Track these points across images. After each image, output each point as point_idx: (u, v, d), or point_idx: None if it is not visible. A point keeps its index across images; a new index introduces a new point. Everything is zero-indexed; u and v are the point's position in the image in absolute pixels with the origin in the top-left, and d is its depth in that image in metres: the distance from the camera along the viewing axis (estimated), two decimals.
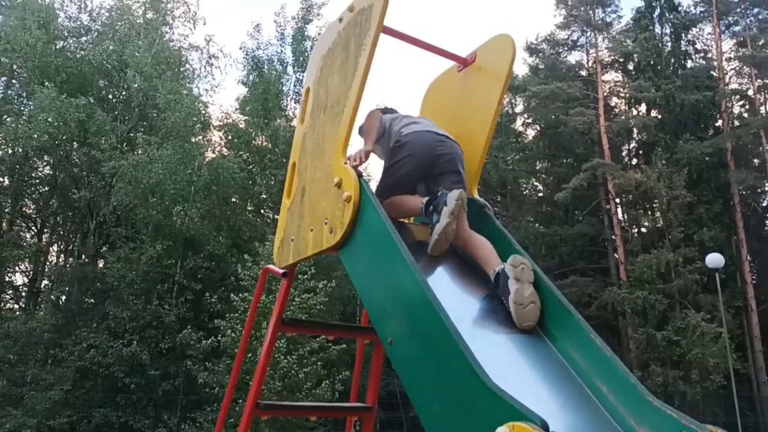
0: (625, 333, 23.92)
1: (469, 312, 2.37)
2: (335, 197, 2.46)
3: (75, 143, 19.27)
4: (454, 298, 2.47)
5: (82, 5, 23.19)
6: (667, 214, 24.29)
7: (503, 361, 2.09)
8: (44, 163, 21.38)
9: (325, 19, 24.57)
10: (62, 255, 22.97)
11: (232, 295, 13.97)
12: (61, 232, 23.01)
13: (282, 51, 25.53)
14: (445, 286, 2.55)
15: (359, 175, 2.42)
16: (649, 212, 28.89)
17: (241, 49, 25.21)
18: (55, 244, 23.51)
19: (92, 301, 19.28)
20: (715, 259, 16.07)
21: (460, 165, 2.88)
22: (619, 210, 28.12)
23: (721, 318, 17.68)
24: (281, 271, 2.97)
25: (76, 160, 19.97)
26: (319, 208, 2.60)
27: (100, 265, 19.98)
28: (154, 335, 16.47)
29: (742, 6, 28.84)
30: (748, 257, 26.21)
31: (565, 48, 30.67)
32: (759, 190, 28.70)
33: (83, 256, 19.75)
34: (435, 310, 1.83)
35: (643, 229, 29.32)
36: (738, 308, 24.71)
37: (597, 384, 1.97)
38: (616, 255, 25.93)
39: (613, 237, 26.51)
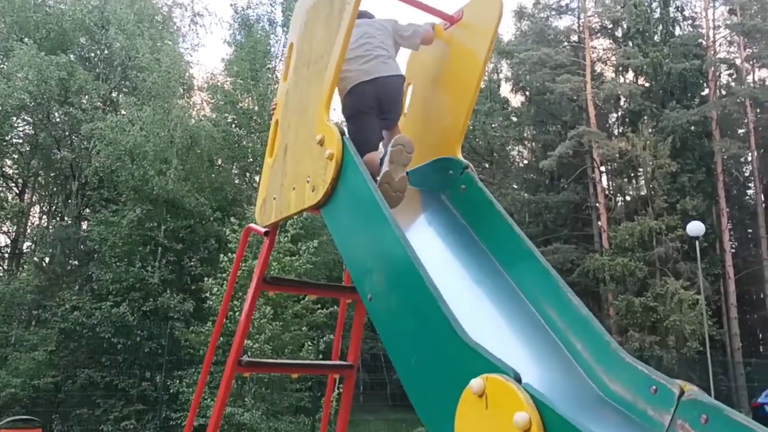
0: (605, 299, 24.36)
1: (449, 267, 2.39)
2: (318, 155, 2.44)
3: (56, 102, 18.83)
4: (435, 254, 2.48)
5: None
6: (651, 182, 24.50)
7: (480, 314, 2.12)
8: (24, 123, 20.94)
9: None
10: (44, 216, 22.71)
11: (221, 255, 13.94)
12: (43, 193, 22.70)
13: (272, 11, 25.00)
14: (428, 243, 2.56)
15: (342, 132, 2.40)
16: (634, 181, 29.13)
17: (231, 6, 24.59)
18: (37, 205, 23.22)
19: (75, 263, 19.15)
20: (696, 228, 16.31)
21: (392, 102, 2.92)
22: (604, 178, 28.32)
23: (699, 285, 18.05)
24: (263, 230, 2.97)
25: (58, 119, 19.57)
26: (301, 165, 2.58)
27: (83, 227, 19.79)
28: (137, 297, 16.46)
29: None
30: (729, 226, 26.65)
31: (555, 12, 30.35)
32: (742, 160, 28.99)
33: (66, 218, 19.55)
34: (414, 266, 1.84)
35: (627, 198, 29.62)
36: (716, 276, 25.23)
37: (571, 340, 2.01)
38: (599, 222, 26.21)
39: (597, 205, 26.75)
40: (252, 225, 3.12)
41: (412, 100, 3.32)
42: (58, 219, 20.33)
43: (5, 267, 21.16)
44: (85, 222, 19.96)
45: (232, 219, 14.60)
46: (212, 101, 23.33)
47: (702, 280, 18.12)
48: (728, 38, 29.36)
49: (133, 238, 17.22)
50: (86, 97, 18.48)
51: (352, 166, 2.30)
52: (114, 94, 20.61)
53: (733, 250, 27.33)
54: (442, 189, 2.88)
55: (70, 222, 19.22)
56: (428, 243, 2.56)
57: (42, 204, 23.14)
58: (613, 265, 22.52)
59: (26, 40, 18.01)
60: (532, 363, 1.96)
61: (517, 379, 1.42)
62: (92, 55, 21.85)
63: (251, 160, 22.19)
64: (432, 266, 1.89)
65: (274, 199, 2.80)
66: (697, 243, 16.87)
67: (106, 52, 21.14)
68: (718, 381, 19.17)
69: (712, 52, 27.94)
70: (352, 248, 2.31)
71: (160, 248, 17.24)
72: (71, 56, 19.09)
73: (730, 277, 25.07)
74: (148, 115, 17.40)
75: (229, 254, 13.80)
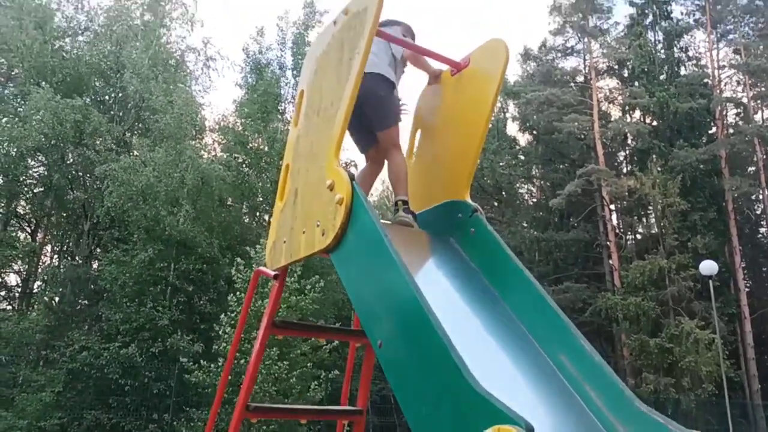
0: (618, 339, 23.96)
1: (459, 313, 2.38)
2: (327, 199, 2.46)
3: (70, 144, 19.19)
4: (445, 300, 2.47)
5: (80, 5, 23.17)
6: (662, 221, 24.38)
7: (492, 362, 2.09)
8: (39, 164, 21.30)
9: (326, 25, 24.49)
10: (56, 256, 22.87)
11: (230, 296, 13.93)
12: (55, 233, 22.91)
13: (282, 55, 25.58)
14: (437, 288, 2.55)
15: (351, 177, 2.42)
16: (644, 219, 28.99)
17: (243, 50, 25.16)
18: (49, 245, 23.42)
19: (85, 302, 19.19)
20: (708, 266, 16.13)
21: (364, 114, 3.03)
22: (614, 216, 28.21)
23: (715, 325, 17.74)
24: (273, 273, 2.97)
25: (72, 160, 19.90)
26: (311, 210, 2.60)
27: (94, 266, 19.90)
28: (146, 338, 16.42)
29: (736, 14, 29.01)
30: (742, 264, 26.34)
31: (561, 54, 30.80)
32: (753, 198, 28.83)
33: (77, 257, 19.67)
34: (424, 312, 1.83)
35: (638, 236, 29.43)
36: (731, 315, 24.80)
37: (585, 388, 1.97)
38: (610, 261, 26.00)
39: (607, 243, 26.58)
40: (261, 268, 3.12)
41: (420, 143, 3.36)
42: (69, 258, 20.46)
43: (15, 307, 21.21)
44: (96, 262, 20.07)
45: (238, 260, 14.64)
46: (223, 142, 23.69)
47: (717, 320, 17.82)
48: (734, 77, 29.61)
49: (143, 278, 17.29)
50: (100, 138, 18.82)
51: (361, 211, 2.31)
52: (127, 135, 20.96)
53: (748, 289, 26.91)
54: (451, 232, 2.88)
55: (81, 261, 19.34)
56: (438, 288, 2.55)
57: (54, 243, 23.35)
58: (625, 304, 22.23)
59: (43, 84, 18.47)
60: (544, 412, 1.92)
61: (529, 429, 1.39)
62: (107, 97, 22.36)
63: (261, 199, 22.37)
64: (442, 311, 1.88)
65: (284, 242, 2.81)
66: (710, 282, 16.66)
67: (120, 94, 21.63)
68: (737, 424, 18.63)
69: (718, 91, 28.12)
70: (361, 293, 2.30)
71: (169, 288, 17.27)
72: (86, 99, 19.53)
73: (745, 316, 24.63)
74: (161, 156, 17.66)
75: (237, 293, 13.80)
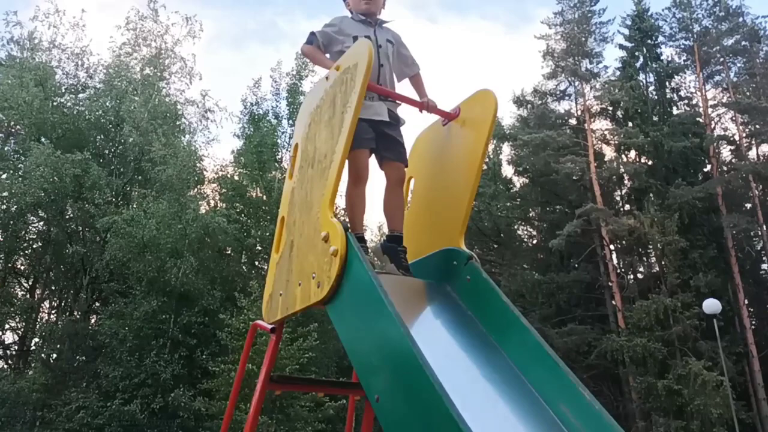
0: (626, 382, 23.53)
1: (457, 363, 2.35)
2: (322, 251, 2.46)
3: (70, 198, 19.30)
4: (442, 350, 2.45)
5: (80, 63, 23.69)
6: (662, 259, 24.30)
7: (491, 413, 2.05)
8: (38, 219, 21.37)
9: (319, 75, 25.13)
10: (54, 312, 22.66)
11: (229, 343, 13.76)
12: (54, 288, 22.78)
13: (277, 105, 26.08)
14: (434, 338, 2.53)
15: (346, 228, 2.43)
16: (644, 258, 28.91)
17: (242, 101, 25.65)
18: (47, 301, 23.25)
19: (83, 359, 18.93)
20: (712, 305, 16.01)
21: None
22: (614, 256, 28.14)
23: (722, 366, 17.46)
24: (269, 326, 2.95)
25: (71, 215, 19.98)
26: (306, 262, 2.60)
27: (92, 321, 19.71)
28: (148, 393, 16.11)
29: (723, 55, 29.67)
30: (746, 302, 26.09)
31: (554, 97, 31.32)
32: (752, 234, 28.81)
33: (75, 313, 19.51)
34: (421, 366, 1.80)
35: (639, 275, 29.29)
36: (739, 355, 24.43)
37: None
38: (613, 302, 25.79)
39: (609, 283, 26.42)
40: (258, 321, 3.10)
41: (414, 192, 3.38)
42: (67, 314, 20.29)
43: (11, 365, 20.89)
44: (95, 316, 19.91)
45: (220, 316, 14.55)
46: (222, 192, 23.85)
47: (724, 360, 17.55)
48: (725, 116, 30.05)
49: (144, 331, 17.12)
50: (99, 192, 18.94)
51: (356, 262, 2.31)
52: (127, 188, 21.11)
53: (753, 327, 26.60)
54: (447, 280, 2.87)
55: (79, 316, 19.18)
56: (435, 337, 2.53)
57: (52, 299, 23.17)
58: (631, 345, 21.94)
59: (43, 140, 18.72)
60: None
61: None
62: (106, 151, 22.63)
63: (259, 248, 22.36)
64: (439, 363, 1.86)
65: (281, 295, 2.80)
66: (714, 321, 16.48)
67: (120, 148, 21.89)
68: None
69: (710, 130, 28.50)
70: (357, 345, 2.28)
71: (169, 342, 17.07)
72: (86, 153, 19.76)
73: (753, 355, 24.26)
74: (164, 208, 17.75)
75: (231, 340, 13.61)
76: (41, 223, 21.33)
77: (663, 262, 24.31)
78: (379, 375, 2.03)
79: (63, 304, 21.92)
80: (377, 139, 3.02)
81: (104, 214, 18.21)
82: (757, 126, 28.28)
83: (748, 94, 28.25)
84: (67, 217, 20.05)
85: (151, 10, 24.88)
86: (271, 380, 2.90)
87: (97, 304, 20.12)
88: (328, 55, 3.17)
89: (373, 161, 3.12)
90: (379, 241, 3.68)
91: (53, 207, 19.42)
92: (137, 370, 16.26)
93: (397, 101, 3.12)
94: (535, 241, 33.24)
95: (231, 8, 54.06)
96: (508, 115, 32.72)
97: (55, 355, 18.95)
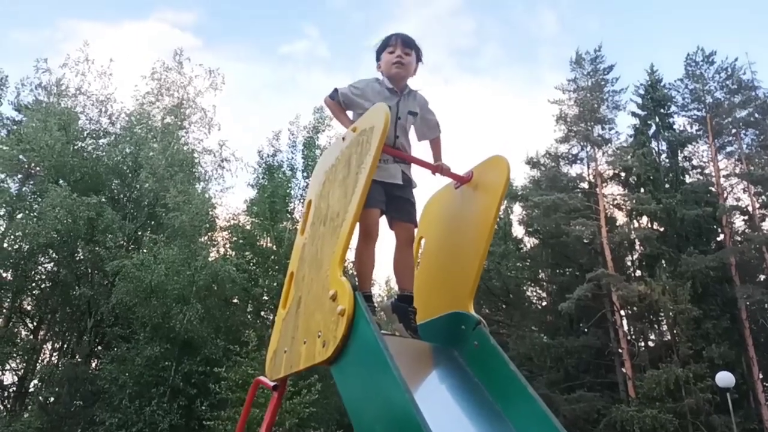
0: None
1: (461, 430, 2.29)
2: (330, 310, 2.45)
3: (81, 240, 19.46)
4: (447, 416, 2.39)
5: (103, 109, 24.35)
6: (674, 328, 23.86)
7: None
8: (49, 259, 21.50)
9: (335, 130, 25.61)
10: (56, 354, 22.47)
11: (228, 395, 13.52)
12: (57, 330, 22.67)
13: (293, 157, 26.44)
14: (439, 404, 2.48)
15: (354, 288, 2.43)
16: (656, 326, 28.40)
17: (258, 152, 26.07)
18: (50, 342, 23.09)
19: (81, 403, 18.63)
20: (725, 378, 15.59)
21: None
22: (625, 322, 27.67)
23: None
24: (272, 383, 2.90)
25: (81, 257, 20.09)
26: (313, 320, 2.59)
27: (93, 365, 19.50)
28: None
29: (736, 126, 29.96)
30: (761, 376, 25.38)
31: (566, 161, 31.56)
32: (766, 306, 28.30)
33: (77, 356, 19.34)
34: None
35: (650, 343, 28.70)
36: (753, 431, 23.58)
37: None
38: (623, 369, 25.20)
39: (619, 350, 25.88)
40: (261, 378, 3.06)
41: (424, 253, 3.38)
42: (69, 356, 20.10)
43: (8, 407, 20.58)
44: (96, 360, 19.70)
45: (215, 369, 14.32)
46: (233, 240, 23.94)
47: None
48: (738, 185, 30.06)
49: (145, 378, 16.88)
50: (111, 236, 19.10)
51: (363, 323, 2.30)
52: (139, 233, 21.26)
53: None
54: (454, 344, 2.84)
55: (80, 360, 18.99)
56: (440, 403, 2.48)
57: (55, 341, 23.02)
58: (641, 417, 21.28)
59: (61, 182, 19.03)
60: None
61: None
62: (122, 196, 22.93)
63: (266, 298, 22.25)
64: (443, 430, 1.81)
65: (285, 351, 2.78)
66: (728, 395, 16.01)
67: (135, 193, 22.19)
68: None
69: (723, 199, 28.48)
70: (359, 408, 2.24)
71: (169, 390, 16.80)
72: (102, 197, 20.02)
73: None
74: (174, 254, 17.81)
75: (227, 392, 13.35)
76: (51, 263, 21.45)
77: (675, 331, 23.86)
78: None
79: (66, 346, 21.76)
80: (389, 200, 3.05)
81: (114, 258, 18.30)
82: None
83: (761, 165, 28.34)
84: (78, 258, 20.16)
85: (176, 62, 25.74)
86: None
87: (100, 348, 19.96)
88: (350, 112, 3.23)
89: (384, 221, 3.14)
90: (389, 298, 3.65)
91: (64, 248, 19.57)
92: (136, 418, 15.95)
93: (410, 166, 3.16)
94: (544, 303, 32.83)
95: (254, 62, 55.80)
96: (521, 176, 32.95)
97: (52, 399, 18.68)
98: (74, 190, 19.03)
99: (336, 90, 3.22)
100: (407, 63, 3.15)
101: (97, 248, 18.93)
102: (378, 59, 3.24)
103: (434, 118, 3.32)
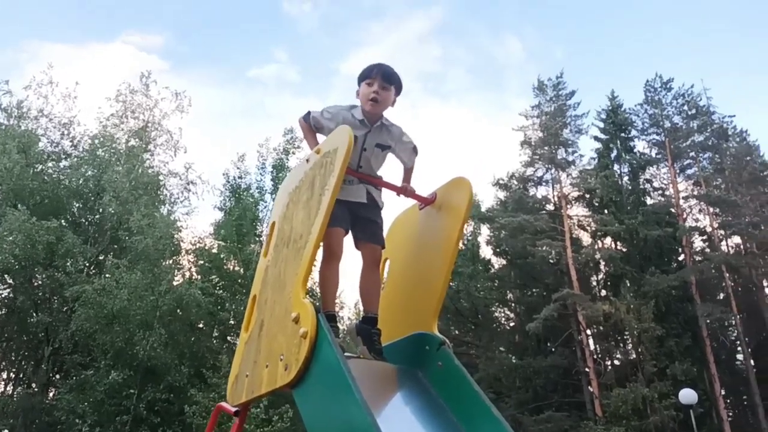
0: None
1: None
2: (292, 333, 2.42)
3: (40, 266, 18.87)
4: None
5: (65, 132, 23.85)
6: (639, 346, 24.24)
7: None
8: (5, 285, 20.77)
9: (305, 152, 25.45)
10: (11, 383, 21.59)
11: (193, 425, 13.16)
12: (13, 358, 21.81)
13: (261, 179, 26.20)
14: (403, 426, 2.46)
15: (317, 310, 2.41)
16: (621, 344, 28.81)
17: (224, 175, 25.74)
18: (5, 372, 22.18)
19: None
20: (688, 395, 15.86)
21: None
22: (591, 341, 28.00)
23: None
24: (233, 409, 2.84)
25: (39, 282, 19.47)
26: (276, 343, 2.55)
27: (51, 395, 18.80)
28: None
29: (694, 150, 30.97)
30: (722, 392, 25.91)
31: (532, 183, 32.10)
32: (726, 324, 29.01)
33: (33, 385, 18.62)
34: None
35: (616, 362, 29.07)
36: None
37: None
38: (590, 388, 25.43)
39: (586, 369, 26.14)
40: (223, 404, 2.99)
41: (389, 275, 3.38)
42: (24, 386, 19.34)
43: None
44: (53, 390, 19.00)
45: (191, 392, 14.01)
46: (199, 264, 23.54)
47: None
48: (697, 207, 30.96)
49: (105, 407, 16.31)
50: (71, 260, 18.57)
51: (325, 345, 2.28)
52: (101, 257, 20.75)
53: (731, 419, 26.29)
54: (418, 366, 2.83)
55: (36, 390, 18.30)
56: (404, 426, 2.46)
57: (10, 370, 22.14)
58: None
59: (20, 206, 18.49)
60: None
61: None
62: (83, 219, 22.38)
63: (232, 322, 21.88)
64: None
65: (247, 376, 2.73)
66: (691, 411, 16.28)
67: (97, 216, 21.69)
68: None
69: (683, 220, 29.28)
70: None
71: (131, 420, 16.27)
72: (62, 221, 19.50)
73: None
74: (139, 279, 17.41)
75: (197, 417, 13.05)
76: (8, 289, 20.72)
77: (639, 349, 24.23)
78: None
79: (21, 375, 20.95)
80: (354, 220, 3.05)
81: (75, 283, 17.78)
82: (728, 218, 29.14)
83: (719, 187, 29.29)
84: (36, 284, 19.54)
85: (143, 85, 25.45)
86: None
87: (57, 377, 19.26)
88: (320, 136, 3.24)
89: (351, 242, 3.13)
90: (355, 320, 3.62)
91: (22, 274, 18.95)
92: None
93: (378, 188, 3.16)
94: (512, 324, 33.05)
95: (221, 87, 55.62)
96: (489, 198, 33.41)
97: (7, 431, 17.91)
98: (33, 213, 18.51)
99: (309, 112, 3.26)
100: (382, 100, 3.09)
101: (57, 273, 18.38)
102: (359, 85, 3.20)
103: (411, 144, 3.30)
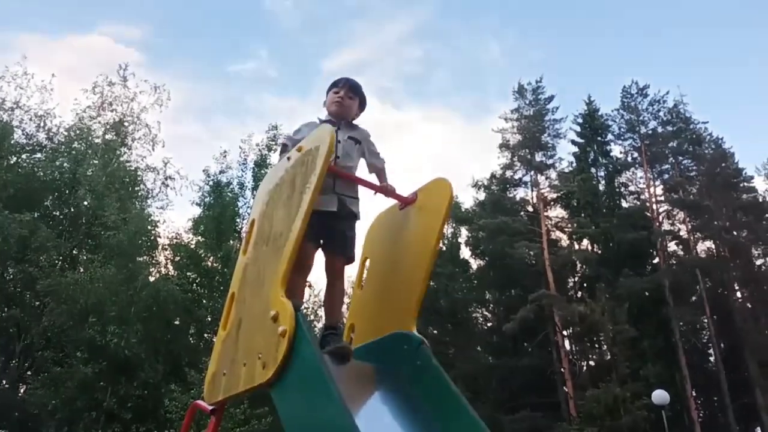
0: None
1: None
2: (271, 331, 2.41)
3: (11, 260, 18.47)
4: None
5: (41, 124, 23.36)
6: (613, 348, 24.58)
7: None
8: None
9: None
10: None
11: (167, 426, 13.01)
12: None
13: (243, 175, 25.87)
14: (381, 424, 2.47)
15: (296, 308, 2.40)
16: (596, 345, 29.17)
17: (204, 171, 25.35)
18: None
19: None
20: (660, 396, 16.11)
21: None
22: (567, 342, 28.32)
23: None
24: (210, 407, 2.82)
25: (11, 277, 19.08)
26: (254, 341, 2.54)
27: (22, 391, 18.44)
28: None
29: (670, 155, 31.48)
30: (694, 394, 26.38)
31: (510, 185, 32.35)
32: (698, 326, 29.55)
33: (4, 381, 18.26)
34: None
35: (591, 362, 29.43)
36: None
37: None
38: (565, 388, 25.72)
39: (561, 370, 26.43)
40: (199, 401, 2.97)
41: (368, 275, 3.38)
42: None
43: None
44: (25, 386, 18.64)
45: (172, 386, 13.84)
46: (176, 259, 23.25)
47: None
48: (671, 212, 31.48)
49: (77, 404, 16.03)
50: (45, 254, 18.23)
51: (304, 344, 2.27)
52: (75, 252, 20.40)
53: (701, 420, 26.78)
54: (397, 365, 2.83)
55: (7, 386, 17.93)
56: (382, 424, 2.47)
57: None
58: None
59: None
60: None
61: None
62: (57, 213, 21.96)
63: (209, 319, 21.65)
64: None
65: (224, 374, 2.71)
66: (663, 412, 16.56)
67: (72, 210, 21.30)
68: None
69: (657, 224, 29.75)
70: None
71: (103, 416, 16.03)
72: (35, 214, 19.11)
73: None
74: (113, 274, 17.15)
75: (175, 412, 12.90)
76: None
77: (614, 350, 24.57)
78: None
79: None
80: (323, 230, 2.99)
81: (47, 277, 17.46)
82: (702, 222, 29.69)
83: (693, 191, 29.82)
84: (8, 278, 19.14)
85: (121, 77, 25.05)
86: None
87: (29, 373, 18.90)
88: None
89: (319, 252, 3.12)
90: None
91: None
92: None
93: (355, 198, 3.14)
94: (490, 324, 33.26)
95: (200, 82, 55.08)
96: (468, 199, 33.53)
97: None
98: (6, 206, 18.11)
99: (285, 145, 3.30)
100: (347, 105, 3.29)
101: (29, 268, 18.01)
102: (327, 95, 3.38)
103: (376, 149, 3.38)
